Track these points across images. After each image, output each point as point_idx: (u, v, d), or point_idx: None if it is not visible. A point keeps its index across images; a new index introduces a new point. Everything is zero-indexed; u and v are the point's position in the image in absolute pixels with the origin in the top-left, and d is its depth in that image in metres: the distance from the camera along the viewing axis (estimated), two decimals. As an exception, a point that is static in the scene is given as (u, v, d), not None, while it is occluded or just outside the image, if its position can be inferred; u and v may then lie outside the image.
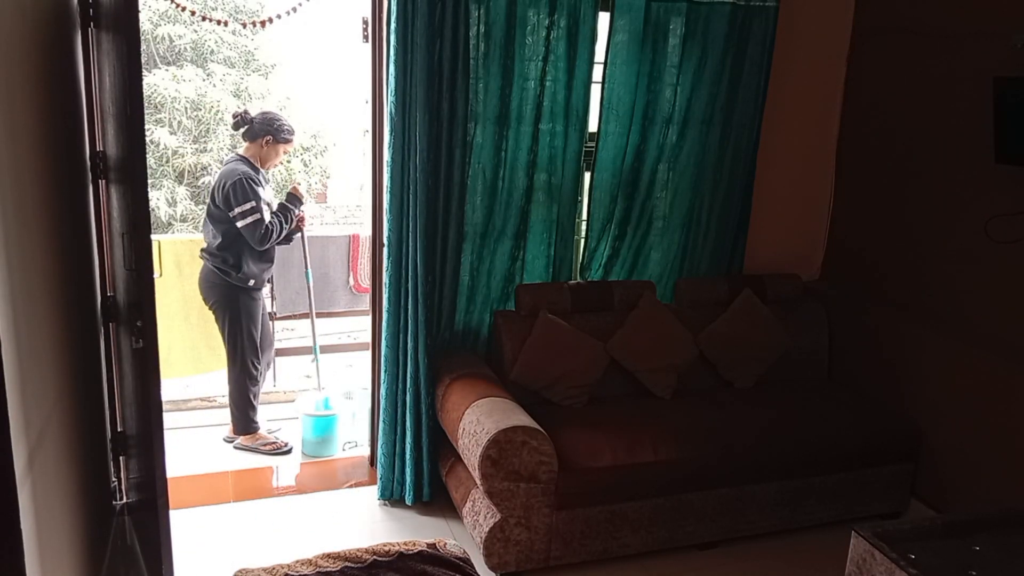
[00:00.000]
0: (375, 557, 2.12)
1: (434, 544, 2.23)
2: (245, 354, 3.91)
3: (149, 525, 2.50)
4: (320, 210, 13.66)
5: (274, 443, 4.01)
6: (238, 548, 3.15)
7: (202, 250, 3.87)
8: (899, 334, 3.52)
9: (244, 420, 3.98)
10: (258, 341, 3.94)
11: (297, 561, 2.14)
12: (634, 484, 2.99)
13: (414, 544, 2.21)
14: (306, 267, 4.42)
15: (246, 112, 3.88)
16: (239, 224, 3.70)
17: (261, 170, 3.87)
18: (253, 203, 3.68)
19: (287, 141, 3.86)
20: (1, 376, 1.40)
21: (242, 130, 3.87)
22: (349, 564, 2.09)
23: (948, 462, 3.30)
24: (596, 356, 3.37)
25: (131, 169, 2.18)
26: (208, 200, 3.83)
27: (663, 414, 3.27)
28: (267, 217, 3.75)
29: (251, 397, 3.97)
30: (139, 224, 2.20)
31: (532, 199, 3.46)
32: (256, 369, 3.95)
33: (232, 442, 4.03)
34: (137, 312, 2.24)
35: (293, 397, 4.38)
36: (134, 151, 2.13)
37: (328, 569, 2.07)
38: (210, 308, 3.92)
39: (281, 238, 3.87)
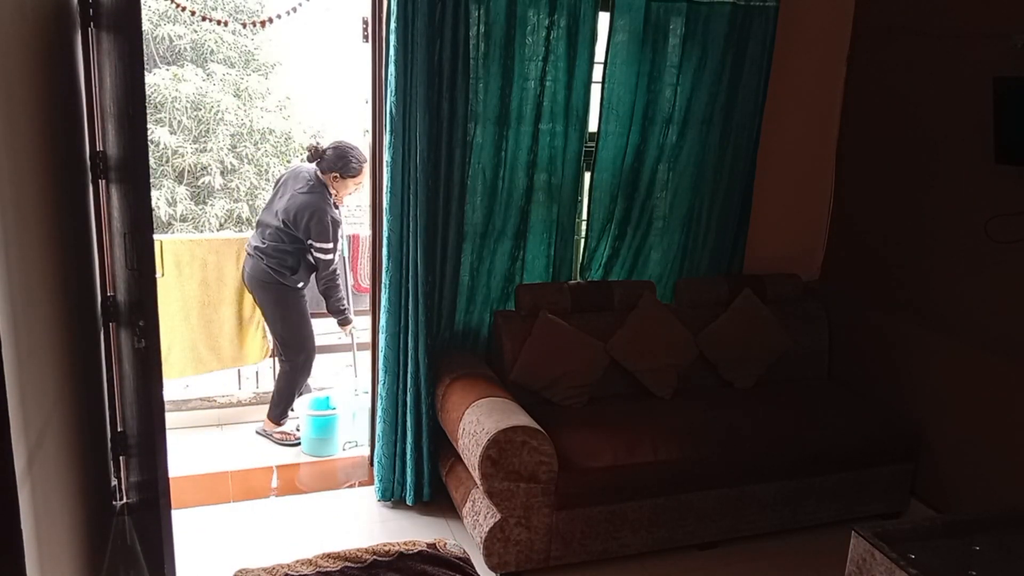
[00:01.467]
0: (375, 557, 2.13)
1: (434, 544, 2.24)
2: (299, 349, 4.06)
3: (150, 525, 2.51)
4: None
5: (287, 434, 4.13)
6: (238, 548, 3.15)
7: (256, 248, 3.98)
8: (899, 334, 3.52)
9: (281, 410, 4.13)
10: (304, 339, 4.10)
11: (297, 561, 2.14)
12: (634, 484, 2.99)
13: (414, 544, 2.21)
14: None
15: (318, 145, 3.95)
16: (319, 256, 3.92)
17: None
18: (332, 245, 3.90)
19: (355, 175, 3.91)
20: (1, 376, 1.40)
21: (315, 163, 3.95)
22: (349, 564, 2.09)
23: (948, 462, 3.30)
24: (596, 356, 3.37)
25: (133, 169, 2.18)
26: (276, 209, 3.92)
27: (663, 414, 3.27)
28: (336, 258, 3.96)
29: (296, 391, 4.14)
30: (141, 224, 2.20)
31: (532, 199, 3.46)
32: (307, 364, 4.13)
33: (260, 434, 4.18)
34: (139, 312, 2.24)
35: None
36: (136, 151, 2.13)
37: (328, 569, 2.07)
38: (258, 305, 4.12)
39: (337, 305, 4.05)
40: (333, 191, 3.93)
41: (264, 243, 3.94)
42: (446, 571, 2.10)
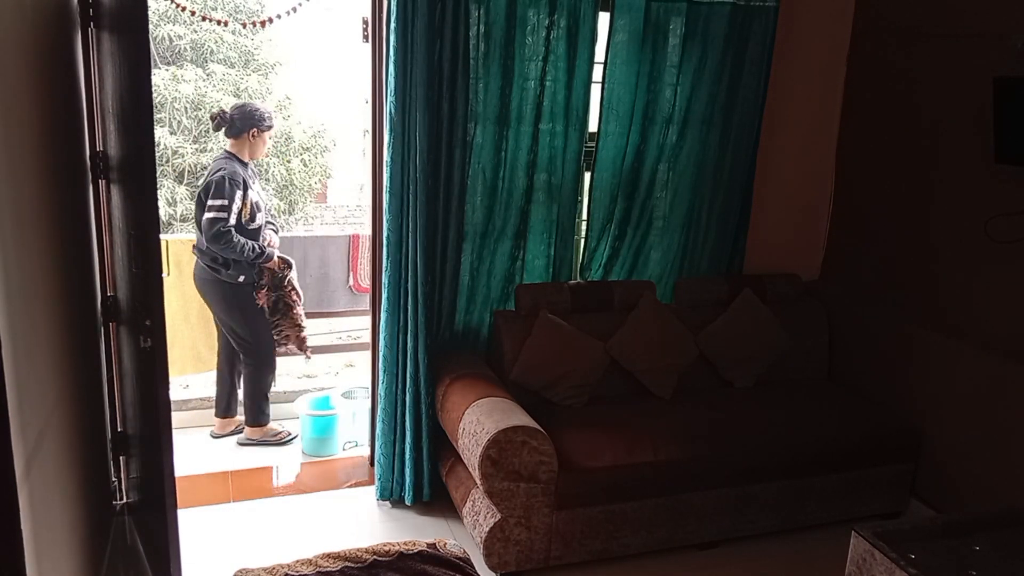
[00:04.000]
0: (375, 557, 2.13)
1: (434, 544, 2.24)
2: (256, 345, 3.96)
3: (155, 525, 2.51)
4: (320, 210, 13.67)
5: (279, 432, 4.09)
6: (238, 548, 3.15)
7: (194, 247, 3.91)
8: (899, 334, 3.52)
9: (257, 410, 4.05)
10: (258, 334, 3.96)
11: (297, 561, 2.14)
12: (634, 484, 2.99)
13: (414, 544, 2.22)
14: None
15: (222, 111, 3.85)
16: (204, 216, 3.69)
17: (250, 163, 3.87)
18: (224, 202, 3.68)
19: (270, 128, 3.87)
20: (1, 377, 1.40)
21: (223, 129, 3.84)
22: (349, 564, 2.09)
23: (948, 462, 3.30)
24: (596, 356, 3.37)
25: (139, 169, 2.19)
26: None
27: (663, 414, 3.27)
28: (232, 220, 3.71)
29: (264, 388, 4.04)
30: (148, 224, 2.21)
31: (532, 199, 3.46)
32: (267, 360, 4.00)
33: (245, 444, 4.07)
34: (145, 311, 2.24)
35: (293, 397, 4.38)
36: (143, 151, 2.14)
37: (328, 569, 2.07)
38: (208, 304, 4.01)
39: (242, 257, 3.77)
40: (248, 154, 3.85)
41: (198, 240, 3.86)
42: (446, 571, 2.10)
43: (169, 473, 2.35)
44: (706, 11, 3.47)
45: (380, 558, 2.13)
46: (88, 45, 2.81)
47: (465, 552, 2.27)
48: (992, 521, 2.47)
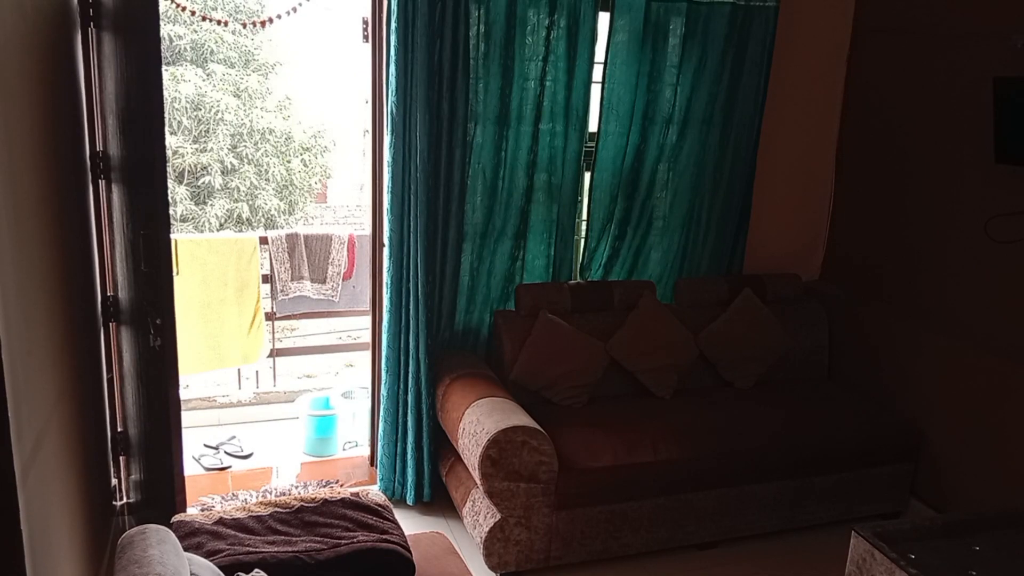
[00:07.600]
0: (302, 503, 2.28)
1: (357, 494, 2.38)
2: None
3: (161, 524, 2.51)
4: (320, 210, 13.68)
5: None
6: (238, 548, 3.15)
7: None
8: (899, 334, 3.52)
9: None
10: None
11: (232, 507, 2.28)
12: (634, 484, 2.99)
13: (338, 493, 2.37)
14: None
15: None
16: None
17: None
18: None
19: None
20: (0, 377, 1.40)
21: None
22: (278, 509, 2.25)
23: (948, 462, 3.30)
24: (596, 356, 3.37)
25: (150, 168, 2.20)
26: None
27: (663, 414, 3.27)
28: None
29: None
30: (158, 223, 2.22)
31: (532, 199, 3.46)
32: None
33: None
34: (155, 310, 2.26)
35: (293, 397, 4.38)
36: (154, 151, 2.16)
37: (259, 513, 2.22)
38: None
39: None
40: None
41: None
42: (365, 515, 2.24)
43: (179, 472, 2.38)
44: (706, 11, 3.47)
45: (306, 504, 2.28)
46: (88, 45, 2.81)
47: (386, 501, 2.37)
48: (992, 521, 2.47)
